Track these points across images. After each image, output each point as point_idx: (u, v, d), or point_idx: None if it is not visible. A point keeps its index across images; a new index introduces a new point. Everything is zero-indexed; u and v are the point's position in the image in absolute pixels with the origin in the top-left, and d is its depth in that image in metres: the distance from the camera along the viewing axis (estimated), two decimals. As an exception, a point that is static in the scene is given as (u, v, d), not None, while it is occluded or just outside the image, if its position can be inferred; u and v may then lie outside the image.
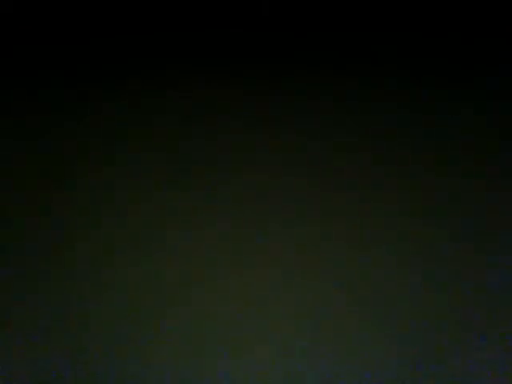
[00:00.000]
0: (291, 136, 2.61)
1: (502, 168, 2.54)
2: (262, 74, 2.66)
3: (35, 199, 2.55)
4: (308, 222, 2.50)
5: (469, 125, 2.58)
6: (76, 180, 2.58)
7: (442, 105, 2.61)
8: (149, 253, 2.46)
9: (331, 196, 2.54)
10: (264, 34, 2.66)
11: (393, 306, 2.33)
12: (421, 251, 2.44)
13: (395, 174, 2.56)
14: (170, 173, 2.59)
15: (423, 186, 2.54)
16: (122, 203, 2.54)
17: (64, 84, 2.67)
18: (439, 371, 2.23)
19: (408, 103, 2.62)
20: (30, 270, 2.43)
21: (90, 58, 2.68)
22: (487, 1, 2.66)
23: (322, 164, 2.58)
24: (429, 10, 2.68)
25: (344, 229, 2.48)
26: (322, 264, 2.42)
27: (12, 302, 2.36)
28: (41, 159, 2.60)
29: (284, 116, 2.63)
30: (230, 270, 2.42)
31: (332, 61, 2.64)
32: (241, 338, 2.29)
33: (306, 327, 2.30)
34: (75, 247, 2.46)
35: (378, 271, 2.40)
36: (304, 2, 2.70)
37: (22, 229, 2.51)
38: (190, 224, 2.51)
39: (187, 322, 2.33)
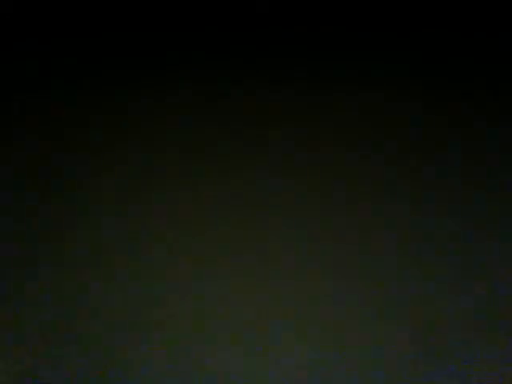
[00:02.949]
0: (290, 135, 2.61)
1: (502, 168, 2.54)
2: (262, 73, 2.66)
3: (35, 199, 2.55)
4: (308, 222, 2.50)
5: (469, 125, 2.58)
6: (75, 180, 2.58)
7: (443, 105, 2.62)
8: (149, 252, 2.46)
9: (331, 196, 2.54)
10: (260, 31, 2.66)
11: (393, 306, 2.33)
12: (421, 251, 2.44)
13: (395, 173, 2.56)
14: (169, 173, 2.59)
15: (423, 185, 2.54)
16: (122, 203, 2.54)
17: (64, 86, 2.67)
18: (439, 371, 2.23)
19: (410, 104, 2.62)
20: (29, 268, 2.43)
21: (89, 56, 2.68)
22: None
23: (322, 164, 2.58)
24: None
25: (344, 228, 2.48)
26: (322, 264, 2.42)
27: (12, 301, 2.36)
28: (41, 158, 2.60)
29: (283, 115, 2.63)
30: (230, 270, 2.42)
31: (332, 58, 2.64)
32: (241, 338, 2.29)
33: (306, 327, 2.30)
34: (75, 246, 2.46)
35: (379, 271, 2.40)
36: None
37: (22, 228, 2.51)
38: (191, 224, 2.51)
39: (187, 321, 2.33)
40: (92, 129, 2.63)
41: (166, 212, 2.53)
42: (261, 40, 2.67)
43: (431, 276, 2.38)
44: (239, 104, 2.63)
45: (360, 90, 2.63)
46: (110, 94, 2.66)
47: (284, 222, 2.51)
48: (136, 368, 2.22)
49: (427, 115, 2.61)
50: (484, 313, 2.30)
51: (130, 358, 2.25)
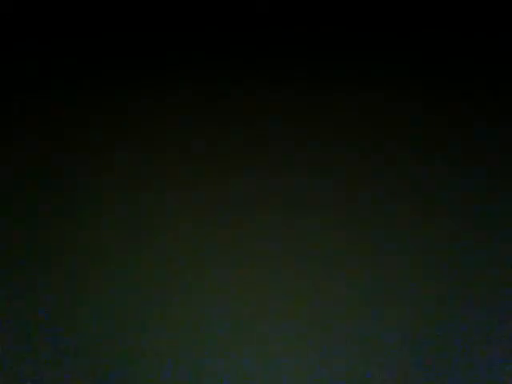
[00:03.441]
0: (290, 135, 2.61)
1: (502, 168, 2.54)
2: (262, 73, 2.66)
3: (35, 199, 2.55)
4: (308, 222, 2.50)
5: (469, 124, 2.59)
6: (75, 180, 2.58)
7: (443, 105, 2.62)
8: (149, 252, 2.46)
9: (331, 196, 2.54)
10: (260, 31, 2.66)
11: (393, 306, 2.33)
12: (421, 251, 2.44)
13: (395, 174, 2.56)
14: (169, 173, 2.59)
15: (423, 185, 2.54)
16: (122, 203, 2.54)
17: (64, 86, 2.67)
18: (439, 371, 2.23)
19: (410, 104, 2.62)
20: (29, 268, 2.43)
21: (89, 56, 2.68)
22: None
23: (322, 164, 2.58)
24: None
25: (344, 228, 2.48)
26: (322, 263, 2.42)
27: (12, 302, 2.36)
28: (41, 158, 2.60)
29: (283, 115, 2.63)
30: (230, 270, 2.42)
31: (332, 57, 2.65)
32: (241, 338, 2.29)
33: (305, 327, 2.30)
34: (75, 246, 2.46)
35: (379, 271, 2.40)
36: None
37: (22, 228, 2.51)
38: (191, 224, 2.51)
39: (187, 321, 2.33)
40: (92, 129, 2.63)
41: (166, 212, 2.53)
42: (261, 40, 2.67)
43: (431, 276, 2.38)
44: (239, 104, 2.63)
45: (360, 90, 2.63)
46: (110, 94, 2.66)
47: (284, 221, 2.51)
48: (136, 368, 2.22)
49: (427, 115, 2.61)
50: (484, 312, 2.30)
51: (130, 358, 2.25)
